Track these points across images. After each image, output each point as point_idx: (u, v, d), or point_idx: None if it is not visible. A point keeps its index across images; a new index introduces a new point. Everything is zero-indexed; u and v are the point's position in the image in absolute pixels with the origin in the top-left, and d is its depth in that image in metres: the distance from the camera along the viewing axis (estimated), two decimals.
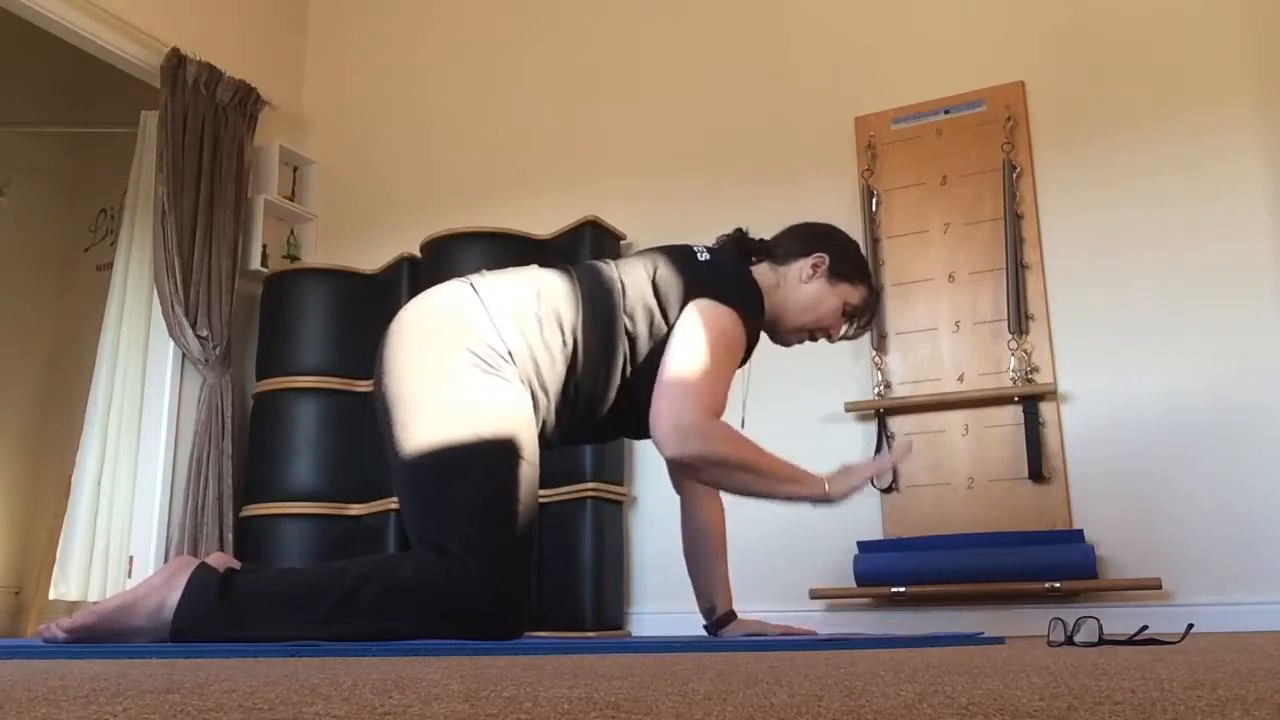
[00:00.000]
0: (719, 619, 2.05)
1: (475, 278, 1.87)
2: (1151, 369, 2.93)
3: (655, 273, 1.86)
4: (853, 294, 2.02)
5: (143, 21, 3.74)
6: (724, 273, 1.91)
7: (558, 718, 0.51)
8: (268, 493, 3.56)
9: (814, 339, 2.07)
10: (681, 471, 1.91)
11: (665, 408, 1.75)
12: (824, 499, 1.80)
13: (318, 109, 4.48)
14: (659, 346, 1.83)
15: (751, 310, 1.88)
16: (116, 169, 4.46)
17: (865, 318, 2.08)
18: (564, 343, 1.81)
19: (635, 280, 1.86)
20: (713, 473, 1.80)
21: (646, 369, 1.84)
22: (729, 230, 2.12)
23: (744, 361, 1.94)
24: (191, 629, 1.57)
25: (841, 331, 2.08)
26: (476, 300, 1.80)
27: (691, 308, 1.82)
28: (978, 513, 3.00)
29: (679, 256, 1.90)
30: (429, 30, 4.35)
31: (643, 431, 1.90)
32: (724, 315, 1.82)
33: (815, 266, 1.99)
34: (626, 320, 1.83)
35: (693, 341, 1.78)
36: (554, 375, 1.80)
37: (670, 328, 1.83)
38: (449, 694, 0.62)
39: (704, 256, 1.92)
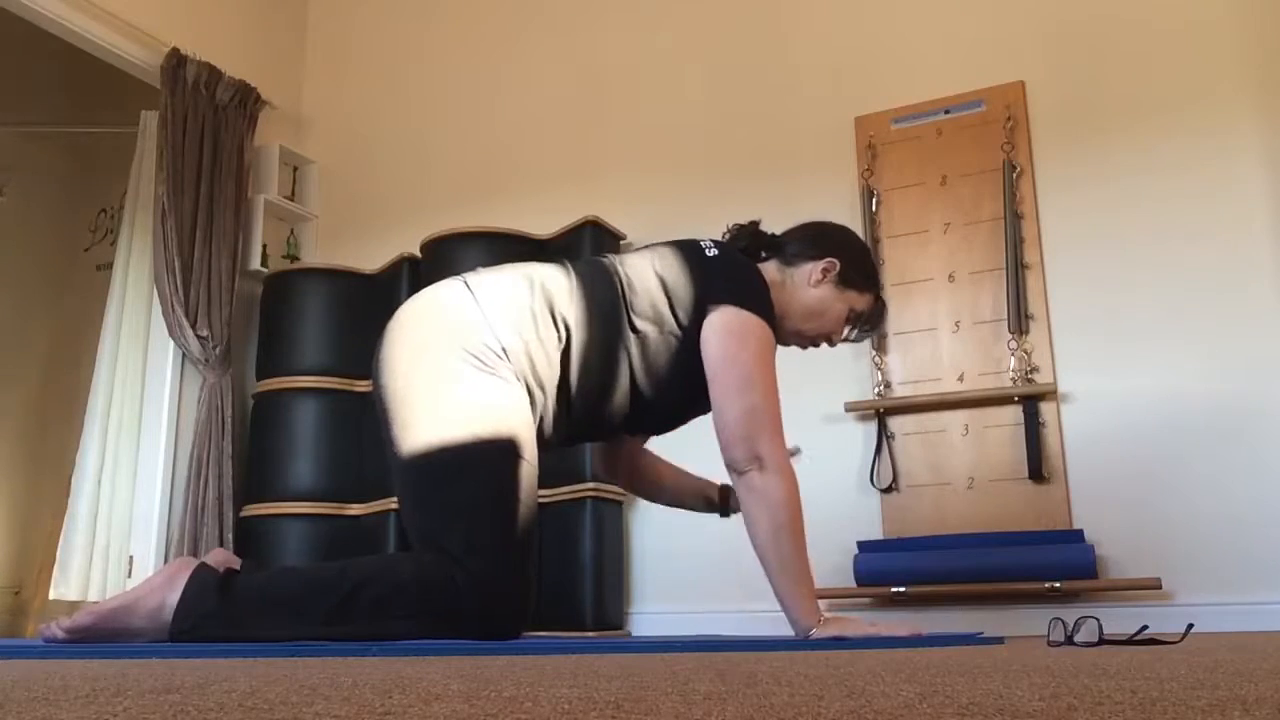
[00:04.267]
0: (722, 493, 2.07)
1: (470, 275, 1.87)
2: (1151, 369, 2.93)
3: (662, 268, 1.85)
4: (859, 301, 1.99)
5: (143, 21, 3.74)
6: (737, 273, 1.88)
7: (558, 718, 0.50)
8: (268, 493, 3.56)
9: (815, 344, 2.04)
10: (745, 495, 1.80)
11: (738, 433, 1.76)
12: (804, 630, 1.72)
13: (318, 109, 4.48)
14: (671, 347, 1.82)
15: (768, 313, 1.86)
16: (116, 169, 4.46)
17: (871, 325, 2.05)
18: (559, 337, 1.80)
19: (640, 274, 1.85)
20: (761, 502, 1.75)
21: (661, 369, 1.83)
22: (729, 231, 2.09)
23: None
24: (191, 629, 1.57)
25: (843, 335, 2.06)
26: (471, 298, 1.80)
27: (721, 316, 1.80)
28: (978, 513, 3.00)
29: (687, 252, 1.88)
30: (429, 30, 4.35)
31: (661, 430, 1.90)
32: (755, 324, 1.81)
33: (825, 271, 1.95)
34: (633, 315, 1.82)
35: (742, 359, 1.77)
36: (550, 371, 1.79)
37: (683, 329, 1.82)
38: (449, 694, 0.62)
39: (712, 252, 1.89)
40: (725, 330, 1.79)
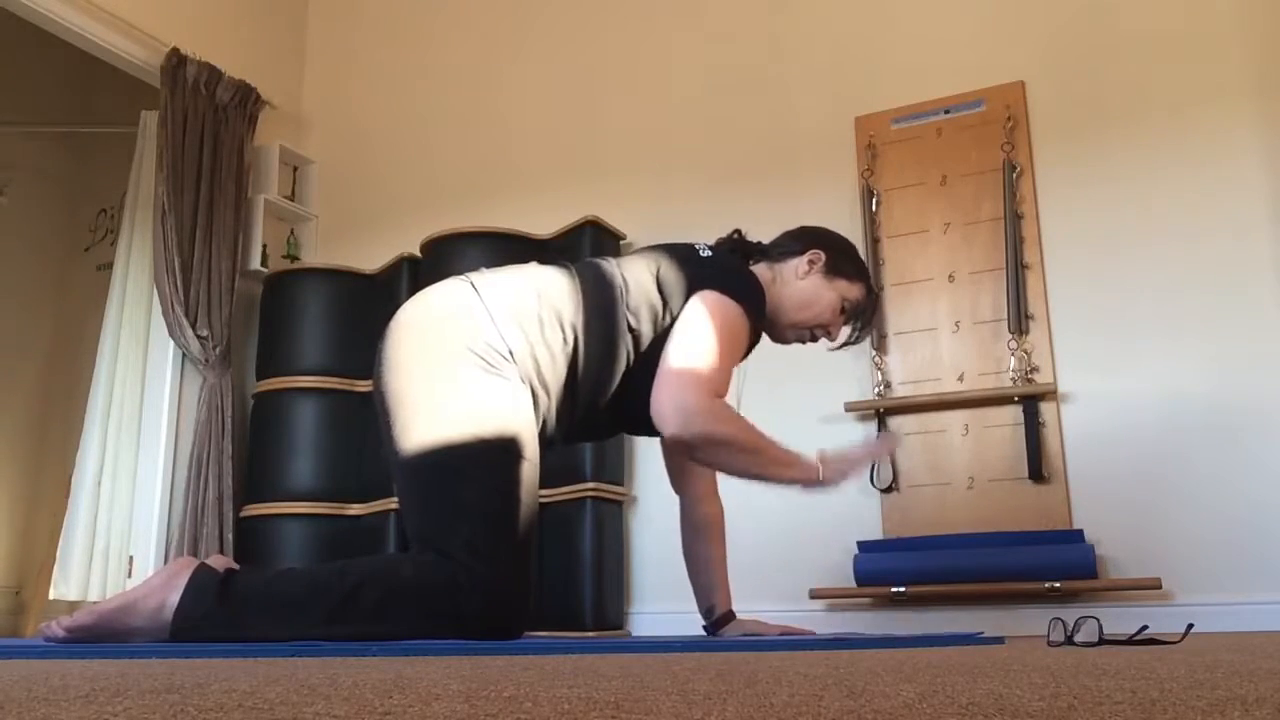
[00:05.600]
0: (718, 619, 2.06)
1: (475, 276, 1.87)
2: (1151, 369, 2.93)
3: (659, 270, 1.87)
4: (850, 290, 2.02)
5: (143, 21, 3.74)
6: (727, 268, 1.91)
7: (558, 718, 0.51)
8: (268, 493, 3.56)
9: (814, 338, 2.05)
10: (681, 453, 1.91)
11: (668, 389, 1.75)
12: (817, 484, 1.80)
13: (318, 109, 4.48)
14: (662, 339, 1.83)
15: (755, 305, 1.88)
16: (116, 169, 4.46)
17: (865, 317, 2.07)
18: (564, 340, 1.80)
19: (638, 277, 1.86)
20: (712, 452, 1.79)
21: (650, 362, 1.84)
22: (728, 231, 2.12)
23: (742, 358, 1.94)
24: (191, 629, 1.57)
25: (843, 335, 2.07)
26: (477, 299, 1.80)
27: (697, 297, 1.82)
28: (978, 513, 3.00)
29: (682, 253, 1.91)
30: (429, 30, 4.35)
31: (646, 426, 1.90)
32: (729, 306, 1.82)
33: (811, 262, 2.00)
34: (630, 316, 1.83)
35: (698, 328, 1.79)
36: (554, 373, 1.80)
37: (674, 320, 1.83)
38: (449, 694, 0.62)
39: (706, 253, 1.93)
40: (700, 305, 1.81)
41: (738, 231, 2.09)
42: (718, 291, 1.83)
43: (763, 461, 1.79)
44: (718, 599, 2.07)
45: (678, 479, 2.13)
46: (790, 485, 1.83)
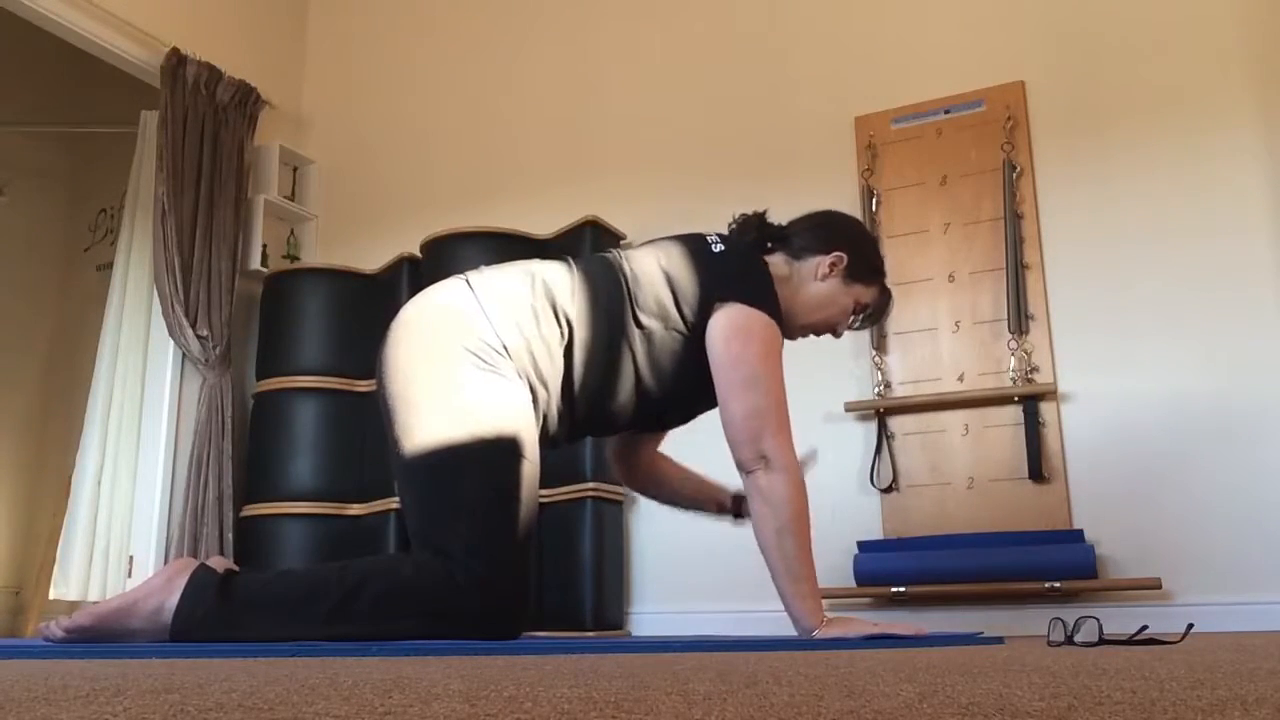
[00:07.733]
0: (735, 501, 2.08)
1: (472, 274, 1.86)
2: (1151, 369, 2.93)
3: (668, 264, 1.84)
4: (866, 294, 1.99)
5: (143, 21, 3.74)
6: (743, 270, 1.87)
7: (558, 718, 0.50)
8: (268, 493, 3.56)
9: (818, 334, 2.05)
10: (743, 475, 1.82)
11: (744, 433, 1.76)
12: (806, 630, 1.71)
13: (318, 109, 4.48)
14: (677, 344, 1.82)
15: (776, 308, 1.86)
16: (116, 169, 4.46)
17: (875, 316, 2.06)
18: (561, 334, 1.79)
19: (646, 270, 1.84)
20: (765, 501, 1.75)
21: (666, 365, 1.83)
22: (734, 221, 2.04)
23: None
24: (191, 630, 1.57)
25: (848, 325, 2.05)
26: (472, 296, 1.80)
27: (726, 314, 1.79)
28: (978, 513, 3.00)
29: (692, 248, 1.87)
30: (429, 30, 4.35)
31: (669, 425, 1.90)
32: (760, 322, 1.80)
33: (833, 265, 1.94)
34: (637, 311, 1.81)
35: (746, 357, 1.77)
36: (552, 367, 1.79)
37: (689, 326, 1.81)
38: (449, 694, 0.62)
39: (718, 248, 1.88)
40: (730, 328, 1.79)
41: (761, 215, 2.01)
42: (742, 303, 1.80)
43: (800, 544, 1.73)
44: (721, 494, 2.12)
45: (627, 464, 2.15)
46: (787, 604, 1.74)
